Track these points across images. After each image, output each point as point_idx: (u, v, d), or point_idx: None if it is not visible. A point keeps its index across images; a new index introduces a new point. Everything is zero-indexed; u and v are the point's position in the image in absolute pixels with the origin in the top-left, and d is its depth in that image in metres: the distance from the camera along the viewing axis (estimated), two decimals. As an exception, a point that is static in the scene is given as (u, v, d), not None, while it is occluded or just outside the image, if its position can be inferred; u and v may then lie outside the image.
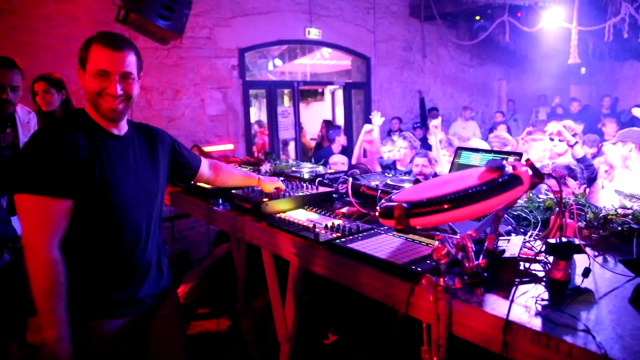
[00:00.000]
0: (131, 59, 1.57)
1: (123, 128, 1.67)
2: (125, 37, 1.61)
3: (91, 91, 1.54)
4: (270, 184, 2.34)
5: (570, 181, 2.97)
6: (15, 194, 1.43)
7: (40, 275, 1.40)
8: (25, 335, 2.29)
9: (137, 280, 1.66)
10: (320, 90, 10.17)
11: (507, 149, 4.16)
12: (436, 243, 1.22)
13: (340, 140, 6.08)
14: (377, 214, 1.24)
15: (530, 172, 1.18)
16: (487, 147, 4.19)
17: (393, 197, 1.32)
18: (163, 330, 1.80)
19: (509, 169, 1.17)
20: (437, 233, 1.24)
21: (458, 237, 1.22)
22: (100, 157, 1.53)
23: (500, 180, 1.12)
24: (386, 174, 2.80)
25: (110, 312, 1.59)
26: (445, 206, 1.08)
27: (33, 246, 1.41)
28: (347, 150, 6.16)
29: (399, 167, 4.23)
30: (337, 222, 1.99)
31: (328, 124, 7.32)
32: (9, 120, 2.73)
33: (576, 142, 3.50)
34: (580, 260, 1.43)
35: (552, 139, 3.77)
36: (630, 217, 1.73)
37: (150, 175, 1.71)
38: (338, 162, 4.47)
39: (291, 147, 7.32)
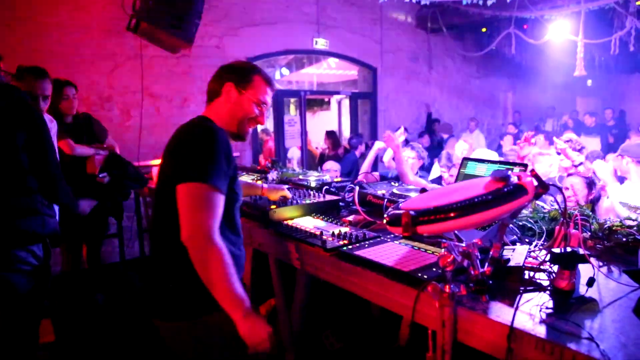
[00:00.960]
0: None
1: None
2: None
3: (247, 113, 1.69)
4: (276, 193, 2.35)
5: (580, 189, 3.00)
6: (187, 183, 1.44)
7: (220, 260, 1.40)
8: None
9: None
10: (326, 99, 10.24)
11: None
12: (442, 251, 1.24)
13: (362, 148, 6.49)
14: (384, 221, 1.27)
15: (535, 183, 1.20)
16: (495, 157, 4.22)
17: (400, 205, 1.34)
18: None
19: (514, 179, 1.20)
20: (444, 241, 1.26)
21: (464, 245, 1.24)
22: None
23: (505, 190, 1.15)
24: (392, 183, 2.83)
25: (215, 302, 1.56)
26: (452, 214, 1.11)
27: (208, 235, 1.41)
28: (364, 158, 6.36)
29: None
30: (344, 229, 2.01)
31: (330, 135, 7.39)
32: None
33: (581, 163, 3.51)
34: (585, 270, 1.45)
35: (559, 153, 3.80)
36: (635, 228, 1.75)
37: None
38: (331, 168, 4.57)
39: (291, 153, 7.34)
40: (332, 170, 4.47)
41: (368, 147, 6.02)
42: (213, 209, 1.44)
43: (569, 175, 3.47)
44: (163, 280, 1.57)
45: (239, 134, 1.72)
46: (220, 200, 1.48)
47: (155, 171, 4.04)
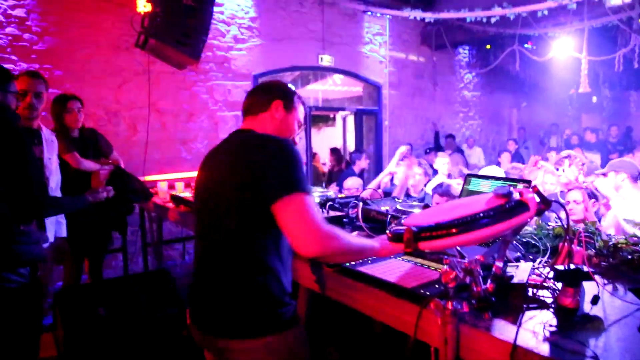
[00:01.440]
0: None
1: None
2: None
3: (291, 132, 1.79)
4: None
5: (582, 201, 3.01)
6: (293, 194, 1.44)
7: (351, 244, 1.50)
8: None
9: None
10: (331, 115, 10.30)
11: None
12: (444, 267, 1.24)
13: (362, 163, 6.19)
14: (387, 237, 1.27)
15: (537, 199, 1.20)
16: (502, 174, 4.23)
17: (403, 221, 1.34)
18: None
19: (516, 195, 1.20)
20: (446, 257, 1.26)
21: (466, 261, 1.24)
22: None
23: (507, 206, 1.15)
24: (396, 200, 2.83)
25: (283, 326, 1.57)
26: (454, 230, 1.11)
27: (330, 234, 1.44)
28: (364, 174, 6.28)
29: (412, 193, 4.24)
30: (347, 245, 2.01)
31: (334, 152, 7.42)
32: (35, 135, 2.81)
33: (587, 188, 3.52)
34: (590, 288, 1.43)
35: (557, 169, 3.82)
36: (640, 245, 1.73)
37: None
38: (352, 186, 4.40)
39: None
40: (353, 189, 4.31)
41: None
42: (316, 211, 1.46)
43: (569, 190, 3.49)
44: (232, 295, 1.53)
45: None
46: (314, 200, 1.58)
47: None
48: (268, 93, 1.75)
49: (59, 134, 3.21)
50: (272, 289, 1.52)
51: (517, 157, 8.10)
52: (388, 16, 6.45)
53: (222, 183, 1.58)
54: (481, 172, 4.25)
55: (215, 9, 4.59)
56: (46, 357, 3.16)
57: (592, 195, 3.38)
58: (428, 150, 7.88)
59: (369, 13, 7.33)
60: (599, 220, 3.28)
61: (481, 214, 1.12)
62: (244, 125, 1.76)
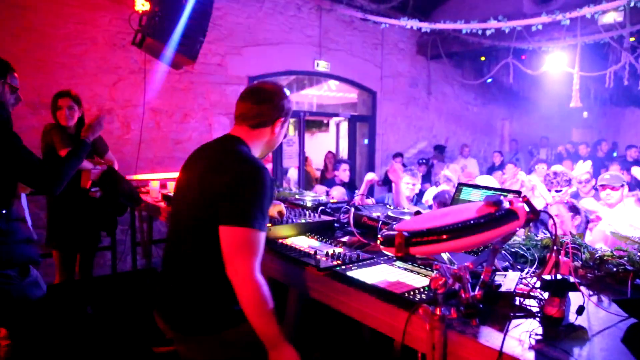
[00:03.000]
0: None
1: None
2: None
3: (278, 142, 1.80)
4: (273, 208, 2.34)
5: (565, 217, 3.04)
6: (234, 227, 1.48)
7: (265, 300, 1.48)
8: None
9: None
10: (325, 121, 10.33)
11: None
12: (434, 273, 1.25)
13: (340, 174, 5.82)
14: (379, 242, 1.29)
15: (526, 208, 1.22)
16: (496, 184, 4.29)
17: (395, 226, 1.36)
18: None
19: (506, 204, 1.22)
20: (436, 262, 1.28)
21: (456, 268, 1.26)
22: None
23: (497, 214, 1.17)
24: (388, 206, 2.85)
25: (236, 321, 1.59)
26: (444, 236, 1.13)
27: (251, 276, 1.47)
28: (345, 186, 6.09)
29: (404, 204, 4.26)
30: (338, 250, 2.02)
31: (331, 156, 7.40)
32: None
33: (568, 202, 3.57)
34: (575, 299, 1.46)
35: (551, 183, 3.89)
36: (625, 258, 1.76)
37: None
38: (337, 197, 4.30)
39: (290, 173, 7.36)
40: (336, 198, 4.29)
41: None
42: (257, 251, 1.50)
43: (549, 205, 3.57)
44: (189, 294, 1.59)
45: (262, 157, 1.79)
46: (263, 239, 1.53)
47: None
48: (274, 110, 1.70)
49: (54, 130, 3.20)
50: (228, 288, 1.51)
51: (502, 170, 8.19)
52: (385, 25, 6.49)
53: (192, 190, 1.62)
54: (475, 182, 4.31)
55: (214, 10, 4.59)
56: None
57: (573, 208, 3.40)
58: (420, 162, 7.91)
59: (367, 21, 7.38)
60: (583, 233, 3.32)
61: (472, 221, 1.14)
62: (236, 132, 1.72)
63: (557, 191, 3.90)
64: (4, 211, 2.03)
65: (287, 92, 1.78)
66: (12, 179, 2.05)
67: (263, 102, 1.70)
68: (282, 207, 2.41)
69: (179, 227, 1.68)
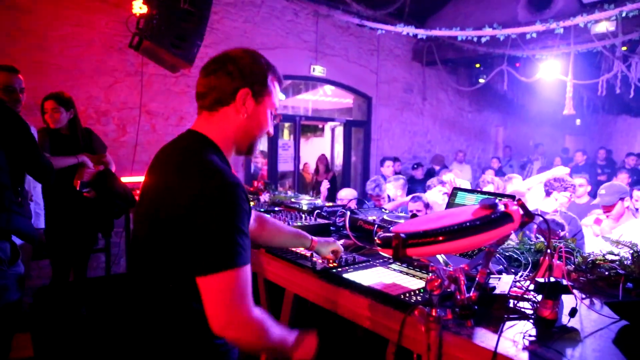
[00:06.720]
0: None
1: None
2: None
3: (264, 128, 1.36)
4: (327, 247, 1.90)
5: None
6: (212, 275, 1.13)
7: (270, 337, 1.23)
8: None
9: None
10: (320, 126, 10.35)
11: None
12: (430, 275, 1.27)
13: (384, 170, 6.02)
14: (376, 243, 1.30)
15: (521, 212, 1.25)
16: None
17: (391, 228, 1.38)
18: None
19: (501, 207, 1.24)
20: (432, 264, 1.30)
21: (451, 269, 1.27)
22: None
23: (492, 216, 1.19)
24: (383, 210, 2.87)
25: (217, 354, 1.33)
26: (440, 238, 1.15)
27: (248, 319, 1.17)
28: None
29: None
30: (334, 252, 2.03)
31: (322, 161, 7.42)
32: None
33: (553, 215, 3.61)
34: (568, 301, 1.48)
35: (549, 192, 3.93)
36: (617, 262, 1.79)
37: None
38: (346, 197, 4.23)
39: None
40: (345, 199, 4.25)
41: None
42: (248, 289, 1.18)
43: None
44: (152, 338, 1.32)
45: (249, 152, 1.39)
46: (249, 271, 1.20)
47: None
48: (230, 77, 1.27)
49: (39, 133, 3.26)
50: (194, 325, 1.26)
51: (500, 175, 8.24)
52: (381, 31, 6.54)
53: (147, 201, 1.31)
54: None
55: (211, 14, 4.61)
56: (23, 357, 3.10)
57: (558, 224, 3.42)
58: (415, 166, 7.95)
59: (363, 27, 7.43)
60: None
61: (467, 223, 1.16)
62: (196, 124, 1.34)
63: (565, 188, 3.86)
64: (19, 188, 2.27)
65: (259, 55, 1.37)
66: (22, 161, 2.28)
67: (213, 72, 1.29)
68: (337, 246, 1.92)
69: (139, 253, 1.36)
